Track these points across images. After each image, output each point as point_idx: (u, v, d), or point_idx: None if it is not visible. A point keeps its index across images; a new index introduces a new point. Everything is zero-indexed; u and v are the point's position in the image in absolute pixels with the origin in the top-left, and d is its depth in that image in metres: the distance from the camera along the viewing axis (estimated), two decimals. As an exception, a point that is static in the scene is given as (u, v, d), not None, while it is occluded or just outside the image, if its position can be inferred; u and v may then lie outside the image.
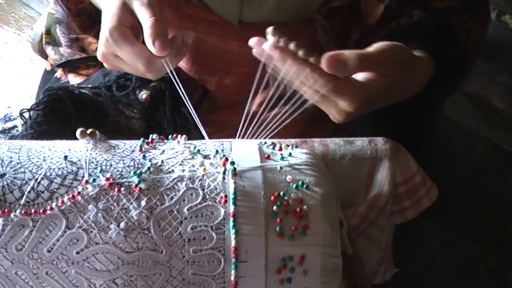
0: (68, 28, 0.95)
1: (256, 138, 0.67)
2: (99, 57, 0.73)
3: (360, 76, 0.65)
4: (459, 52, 0.82)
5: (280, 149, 0.68)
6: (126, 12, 0.70)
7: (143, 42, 0.69)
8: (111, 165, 0.63)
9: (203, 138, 0.72)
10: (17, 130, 0.93)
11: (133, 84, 0.82)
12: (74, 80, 0.92)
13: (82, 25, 0.95)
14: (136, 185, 0.61)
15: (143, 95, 0.82)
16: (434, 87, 0.76)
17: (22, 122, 0.84)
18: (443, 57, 0.75)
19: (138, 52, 0.69)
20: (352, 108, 0.65)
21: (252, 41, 0.65)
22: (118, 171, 0.62)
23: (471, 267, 1.30)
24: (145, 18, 0.69)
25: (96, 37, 0.94)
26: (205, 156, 0.65)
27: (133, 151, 0.65)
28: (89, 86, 0.85)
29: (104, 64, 0.74)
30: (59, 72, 0.97)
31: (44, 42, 0.98)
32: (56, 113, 0.83)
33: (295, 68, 0.62)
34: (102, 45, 0.71)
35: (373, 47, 0.65)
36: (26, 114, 0.83)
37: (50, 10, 0.97)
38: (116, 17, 0.70)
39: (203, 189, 0.61)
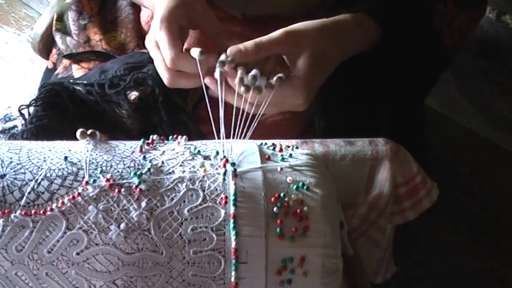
0: (78, 13, 0.96)
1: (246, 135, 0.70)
2: (146, 43, 0.77)
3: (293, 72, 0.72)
4: (431, 35, 0.84)
5: (281, 150, 0.68)
6: (183, 10, 0.74)
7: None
8: (111, 166, 0.63)
9: (202, 138, 0.72)
10: (17, 130, 0.93)
11: (125, 83, 0.82)
12: (76, 72, 0.93)
13: (92, 8, 0.96)
14: (137, 186, 0.61)
15: (132, 96, 0.82)
16: (404, 67, 0.82)
17: (21, 119, 0.85)
18: (402, 33, 0.80)
19: (172, 45, 0.72)
20: (302, 99, 0.72)
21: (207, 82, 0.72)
22: (118, 172, 0.62)
23: (471, 267, 1.30)
24: (211, 21, 0.75)
25: (101, 27, 0.95)
26: (206, 157, 0.65)
27: (133, 152, 0.65)
28: (84, 82, 0.85)
29: (148, 50, 0.78)
30: (59, 68, 0.97)
31: (53, 28, 0.99)
32: (54, 108, 0.83)
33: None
34: (151, 31, 0.75)
35: (278, 31, 0.72)
36: (25, 111, 0.84)
37: None
38: (172, 11, 0.74)
39: (203, 191, 0.61)
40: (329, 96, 0.79)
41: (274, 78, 0.69)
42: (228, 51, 0.70)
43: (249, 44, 0.71)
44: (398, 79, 0.84)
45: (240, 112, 0.70)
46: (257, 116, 0.71)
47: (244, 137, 0.70)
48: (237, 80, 0.69)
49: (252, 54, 0.71)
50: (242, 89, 0.68)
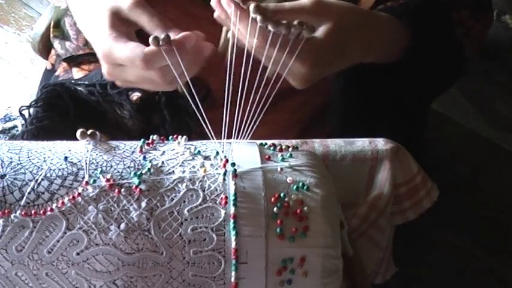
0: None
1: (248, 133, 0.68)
2: (107, 77, 0.72)
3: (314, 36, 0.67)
4: (453, 45, 0.83)
5: (281, 150, 0.68)
6: (115, 20, 0.70)
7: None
8: (111, 166, 0.63)
9: (203, 139, 0.72)
10: (17, 130, 0.93)
11: None
12: (76, 74, 0.93)
13: None
14: (137, 186, 0.61)
15: (134, 96, 0.82)
16: (426, 73, 0.80)
17: (22, 120, 0.85)
18: (430, 40, 0.77)
19: (132, 49, 0.67)
20: (306, 67, 0.66)
21: (213, 2, 0.66)
22: (118, 172, 0.62)
23: (471, 267, 1.30)
24: (145, 19, 0.69)
25: None
26: (206, 157, 0.65)
27: (133, 152, 0.65)
28: (86, 82, 0.85)
29: (116, 82, 0.74)
30: (59, 70, 0.97)
31: (51, 36, 0.99)
32: (55, 109, 0.84)
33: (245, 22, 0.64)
34: (104, 62, 0.70)
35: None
36: (25, 112, 0.84)
37: (56, 4, 0.99)
38: (106, 27, 0.69)
39: (203, 191, 0.61)
40: (347, 93, 0.78)
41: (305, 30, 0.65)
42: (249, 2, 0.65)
43: (270, 3, 0.67)
44: (415, 86, 0.83)
45: (235, 114, 0.70)
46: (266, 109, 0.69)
47: (246, 137, 0.70)
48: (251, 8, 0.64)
49: (270, 13, 0.66)
50: (259, 17, 0.63)
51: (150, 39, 0.65)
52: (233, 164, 0.63)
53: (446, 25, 0.82)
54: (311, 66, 0.67)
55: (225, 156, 0.64)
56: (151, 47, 0.66)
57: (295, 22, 0.64)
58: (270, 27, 0.64)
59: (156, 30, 0.68)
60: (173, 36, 0.66)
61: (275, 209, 0.61)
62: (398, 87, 0.82)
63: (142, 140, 0.67)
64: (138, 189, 0.61)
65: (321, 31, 0.68)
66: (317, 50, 0.67)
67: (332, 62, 0.70)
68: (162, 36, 0.65)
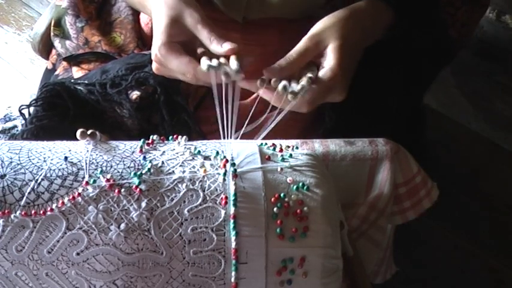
0: (75, 17, 0.96)
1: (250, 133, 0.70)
2: (155, 72, 0.78)
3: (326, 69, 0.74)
4: (438, 24, 0.86)
5: (281, 150, 0.68)
6: (176, 29, 0.74)
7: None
8: (111, 166, 0.63)
9: (203, 139, 0.72)
10: (17, 130, 0.93)
11: (127, 83, 0.82)
12: (76, 73, 0.93)
13: (90, 12, 0.97)
14: (137, 186, 0.61)
15: (133, 95, 0.82)
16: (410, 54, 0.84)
17: (21, 119, 0.85)
18: (411, 15, 0.82)
19: (185, 64, 0.73)
20: (340, 91, 0.74)
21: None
22: (118, 172, 0.62)
23: (471, 267, 1.30)
24: (205, 35, 0.74)
25: (99, 28, 0.95)
26: (206, 158, 0.65)
27: (133, 152, 0.65)
28: (85, 82, 0.86)
29: (166, 75, 0.78)
30: (59, 69, 0.97)
31: (52, 34, 0.99)
32: (55, 108, 0.83)
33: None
34: (154, 61, 0.76)
35: (302, 40, 0.75)
36: (25, 111, 0.84)
37: (57, 2, 0.99)
38: (165, 34, 0.74)
39: (203, 191, 0.61)
40: None
41: (299, 86, 0.71)
42: (265, 72, 0.72)
43: (282, 61, 0.73)
44: (407, 70, 0.85)
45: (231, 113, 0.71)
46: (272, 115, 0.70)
47: (256, 137, 0.71)
48: (280, 89, 0.71)
49: (288, 70, 0.73)
50: (290, 96, 0.71)
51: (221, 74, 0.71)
52: (233, 164, 0.63)
53: (430, 4, 0.85)
54: (345, 86, 0.74)
55: (224, 157, 0.64)
56: (203, 69, 0.71)
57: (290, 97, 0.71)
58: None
59: (212, 46, 0.74)
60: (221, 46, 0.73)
61: (275, 209, 0.61)
62: (387, 71, 0.85)
63: (142, 140, 0.67)
64: (138, 189, 0.61)
65: (332, 54, 0.74)
66: (343, 70, 0.73)
67: (353, 66, 0.76)
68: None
